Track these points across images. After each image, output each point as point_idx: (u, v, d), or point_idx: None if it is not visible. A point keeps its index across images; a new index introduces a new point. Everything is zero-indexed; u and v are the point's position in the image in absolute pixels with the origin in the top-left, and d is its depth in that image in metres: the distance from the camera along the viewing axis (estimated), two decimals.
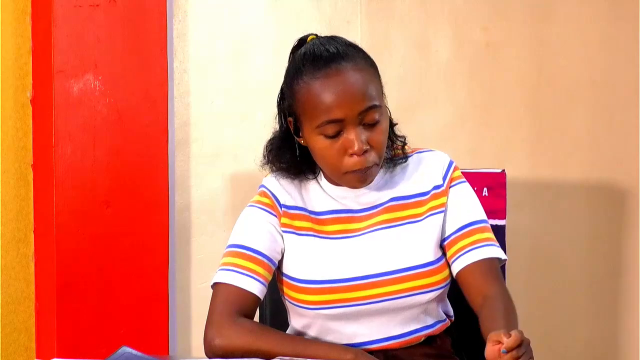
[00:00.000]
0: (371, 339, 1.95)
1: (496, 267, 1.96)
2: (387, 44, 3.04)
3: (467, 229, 1.97)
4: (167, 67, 2.91)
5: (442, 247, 1.98)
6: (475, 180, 2.38)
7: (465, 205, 1.99)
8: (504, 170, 2.44)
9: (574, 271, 3.11)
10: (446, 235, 1.98)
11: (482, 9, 3.09)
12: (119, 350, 1.78)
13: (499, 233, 2.34)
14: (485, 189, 2.40)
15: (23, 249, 2.87)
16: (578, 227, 3.12)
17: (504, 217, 2.38)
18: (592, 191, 3.14)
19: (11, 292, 2.83)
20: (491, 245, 1.96)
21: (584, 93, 3.13)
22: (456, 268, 1.96)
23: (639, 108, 3.12)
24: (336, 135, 1.87)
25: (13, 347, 2.84)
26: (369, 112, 1.87)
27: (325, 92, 1.85)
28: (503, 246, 2.34)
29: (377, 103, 1.88)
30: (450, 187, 2.00)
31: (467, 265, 1.94)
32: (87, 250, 2.85)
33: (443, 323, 2.01)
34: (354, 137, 1.86)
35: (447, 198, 1.99)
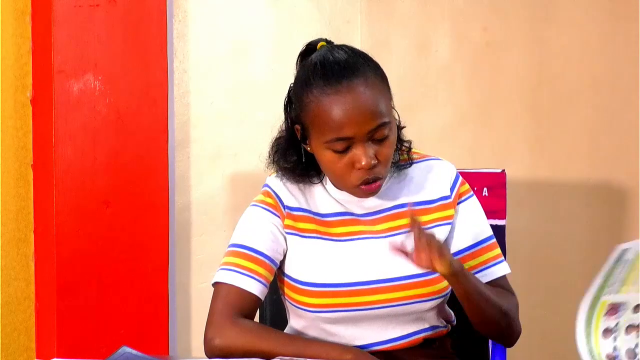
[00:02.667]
0: (370, 342, 1.95)
1: (504, 284, 2.01)
2: (387, 44, 3.04)
3: (475, 248, 2.00)
4: (167, 67, 2.91)
5: None
6: (475, 180, 2.38)
7: (474, 222, 2.01)
8: (504, 170, 2.44)
9: (574, 271, 3.11)
10: (455, 251, 1.99)
11: (482, 9, 3.09)
12: (119, 350, 1.78)
13: (499, 233, 2.34)
14: (485, 189, 2.40)
15: (23, 249, 2.87)
16: (578, 227, 3.12)
17: (504, 217, 2.38)
18: (592, 191, 3.14)
19: (11, 292, 2.83)
20: (498, 263, 2.00)
21: (584, 93, 3.13)
22: None
23: (639, 108, 3.12)
24: (344, 151, 1.87)
25: (13, 347, 2.84)
26: (379, 130, 1.86)
27: (335, 109, 1.84)
28: (503, 246, 2.34)
29: (387, 120, 1.87)
30: (459, 203, 2.00)
31: None
32: (87, 250, 2.85)
33: (443, 328, 2.01)
34: (362, 153, 1.85)
35: (456, 213, 1.99)
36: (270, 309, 2.24)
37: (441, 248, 1.78)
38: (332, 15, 3.02)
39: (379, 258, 1.93)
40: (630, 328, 1.61)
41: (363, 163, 1.85)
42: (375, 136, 1.86)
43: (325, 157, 1.88)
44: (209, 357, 1.87)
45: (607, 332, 1.60)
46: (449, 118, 3.09)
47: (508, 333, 1.99)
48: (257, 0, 3.00)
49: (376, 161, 1.87)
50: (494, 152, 3.10)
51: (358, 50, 1.93)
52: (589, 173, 3.13)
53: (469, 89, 3.10)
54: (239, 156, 2.98)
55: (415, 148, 2.04)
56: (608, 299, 1.64)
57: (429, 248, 1.77)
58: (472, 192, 2.03)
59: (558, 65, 3.12)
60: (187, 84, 2.98)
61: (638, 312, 1.61)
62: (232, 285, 1.91)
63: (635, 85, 3.11)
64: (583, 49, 3.12)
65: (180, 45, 2.97)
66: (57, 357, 2.66)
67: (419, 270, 1.92)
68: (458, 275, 1.83)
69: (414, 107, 3.04)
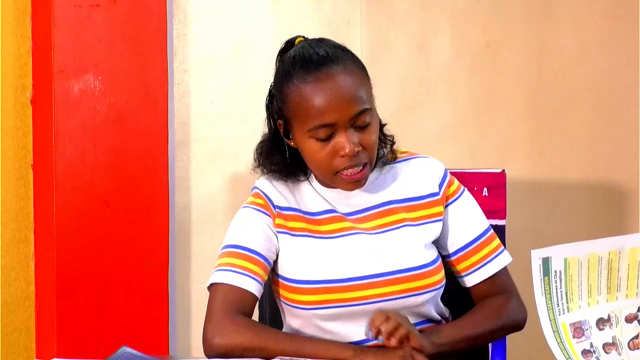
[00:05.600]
0: (366, 338, 1.95)
1: (504, 276, 2.04)
2: (387, 44, 3.04)
3: (473, 245, 2.02)
4: (167, 67, 2.91)
5: (449, 260, 2.02)
6: (475, 180, 2.38)
7: (468, 220, 2.02)
8: (504, 170, 2.44)
9: None
10: (455, 250, 2.01)
11: (482, 9, 3.09)
12: (119, 350, 1.78)
13: (499, 233, 2.34)
14: (485, 189, 2.41)
15: (23, 249, 2.87)
16: (578, 227, 3.12)
17: (504, 217, 2.38)
18: (592, 191, 3.14)
19: (11, 292, 2.83)
20: (498, 255, 2.03)
21: (584, 93, 3.13)
22: (469, 282, 2.03)
23: (639, 108, 3.12)
24: (327, 139, 1.88)
25: (13, 347, 2.84)
26: (361, 116, 1.88)
27: (316, 96, 1.86)
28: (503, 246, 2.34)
29: (368, 106, 1.89)
30: (450, 203, 2.01)
31: (480, 282, 2.02)
32: (87, 250, 2.85)
33: (438, 323, 2.02)
34: (345, 139, 1.87)
35: (448, 214, 2.01)
36: (270, 309, 2.24)
37: (413, 344, 1.80)
38: (332, 15, 3.02)
39: (371, 253, 1.94)
40: (607, 346, 1.64)
41: (347, 150, 1.87)
42: (357, 123, 1.88)
43: (309, 146, 1.90)
44: (209, 357, 1.87)
45: (586, 353, 1.63)
46: (449, 118, 3.09)
47: (513, 330, 2.04)
48: (257, 0, 3.00)
49: (360, 148, 1.88)
50: (494, 152, 3.10)
51: (336, 43, 1.96)
52: (589, 173, 3.13)
53: (469, 89, 3.10)
54: (239, 156, 2.98)
55: (413, 151, 2.04)
56: (565, 320, 1.67)
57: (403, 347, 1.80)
58: (462, 189, 2.04)
59: (558, 65, 3.12)
60: (187, 84, 2.98)
61: (604, 328, 1.64)
62: (229, 284, 1.92)
63: (635, 85, 3.11)
64: (583, 49, 3.13)
65: (180, 45, 2.97)
66: (57, 357, 2.66)
67: (413, 264, 1.93)
68: (438, 350, 1.87)
69: (414, 107, 3.04)
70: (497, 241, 2.04)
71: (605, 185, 3.14)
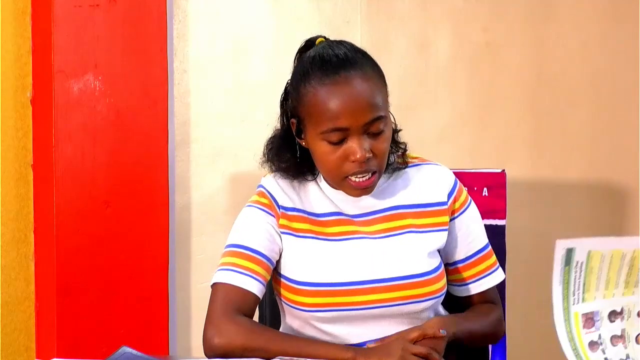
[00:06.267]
0: (365, 340, 1.95)
1: (494, 292, 2.08)
2: (387, 44, 3.04)
3: (472, 259, 2.03)
4: (167, 67, 2.91)
5: (447, 267, 2.03)
6: (475, 180, 2.38)
7: (473, 232, 2.03)
8: (504, 170, 2.44)
9: None
10: (455, 260, 2.03)
11: (482, 9, 3.09)
12: (119, 350, 1.78)
13: (499, 233, 2.34)
14: (485, 189, 2.40)
15: (23, 249, 2.87)
16: (578, 227, 3.12)
17: (504, 217, 2.38)
18: (592, 191, 3.14)
19: (11, 292, 2.83)
20: (492, 272, 2.06)
21: (584, 93, 3.13)
22: (461, 292, 2.05)
23: (639, 108, 3.12)
24: (339, 143, 1.88)
25: (13, 347, 2.84)
26: (375, 123, 1.87)
27: (332, 99, 1.86)
28: (503, 246, 2.34)
29: (382, 114, 1.88)
30: (459, 215, 2.02)
31: (473, 295, 2.05)
32: (87, 250, 2.85)
33: None
34: (357, 145, 1.86)
35: (455, 226, 2.01)
36: (270, 309, 2.24)
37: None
38: (332, 15, 3.02)
39: (375, 258, 1.94)
40: (615, 339, 1.63)
41: (358, 156, 1.86)
42: (370, 129, 1.87)
43: (320, 148, 1.89)
44: (208, 357, 1.87)
45: (593, 344, 1.63)
46: (449, 118, 3.09)
47: (491, 340, 2.09)
48: (257, 0, 3.00)
49: (370, 155, 1.88)
50: (494, 152, 3.10)
51: (356, 46, 1.95)
52: (589, 173, 3.13)
53: (469, 89, 3.10)
54: (239, 156, 2.99)
55: (413, 151, 2.04)
56: (578, 309, 1.66)
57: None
58: (469, 201, 2.04)
59: (558, 65, 3.12)
60: (187, 84, 2.98)
61: (615, 320, 1.63)
62: (231, 284, 1.91)
63: (635, 85, 3.11)
64: (583, 49, 3.13)
65: (180, 45, 2.97)
66: (57, 357, 2.66)
67: (415, 271, 1.93)
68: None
69: (414, 107, 3.04)
70: (494, 257, 2.06)
71: (605, 185, 3.14)
